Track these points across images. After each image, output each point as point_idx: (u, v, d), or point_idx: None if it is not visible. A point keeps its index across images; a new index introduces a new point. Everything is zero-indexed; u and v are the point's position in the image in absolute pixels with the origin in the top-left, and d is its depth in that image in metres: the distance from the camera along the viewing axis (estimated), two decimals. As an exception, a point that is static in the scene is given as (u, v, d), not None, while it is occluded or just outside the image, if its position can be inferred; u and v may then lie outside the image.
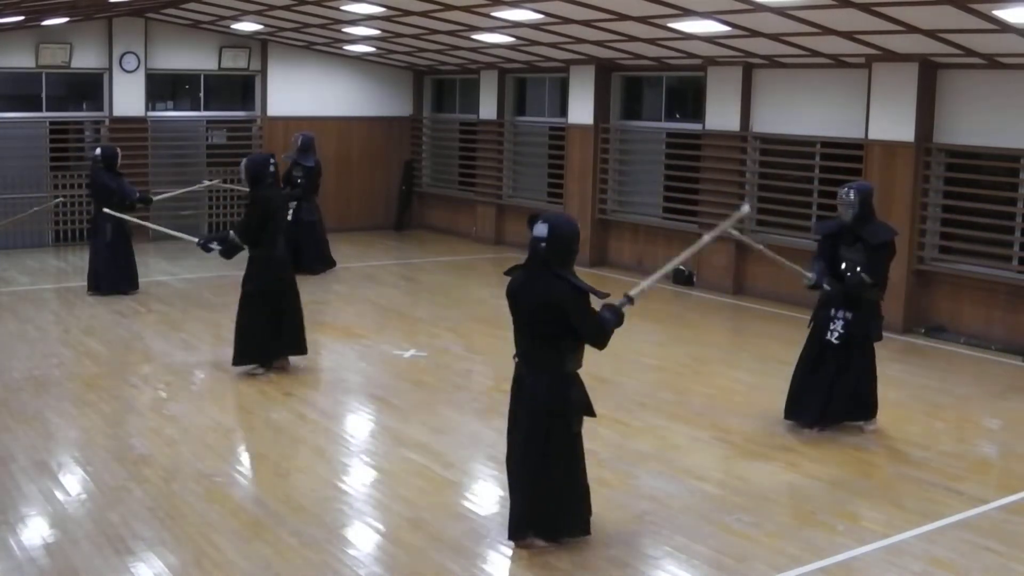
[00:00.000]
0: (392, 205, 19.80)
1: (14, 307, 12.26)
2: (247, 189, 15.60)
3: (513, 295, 5.89)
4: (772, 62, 13.30)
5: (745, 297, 13.79)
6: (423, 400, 8.97)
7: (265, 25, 16.40)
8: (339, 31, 16.08)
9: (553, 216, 5.90)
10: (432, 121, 19.99)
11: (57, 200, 15.04)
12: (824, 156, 13.03)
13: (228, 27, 16.96)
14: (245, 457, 7.71)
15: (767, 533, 6.30)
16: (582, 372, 6.02)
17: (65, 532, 6.06)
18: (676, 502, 6.76)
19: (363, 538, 6.21)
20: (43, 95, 16.65)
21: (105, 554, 5.78)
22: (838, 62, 12.52)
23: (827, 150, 12.98)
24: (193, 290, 13.57)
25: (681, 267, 14.55)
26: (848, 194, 7.99)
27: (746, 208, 7.14)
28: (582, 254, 10.22)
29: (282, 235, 9.62)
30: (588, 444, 6.17)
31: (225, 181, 16.33)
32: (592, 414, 6.03)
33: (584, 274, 5.91)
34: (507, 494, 6.68)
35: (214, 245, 9.79)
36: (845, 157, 12.59)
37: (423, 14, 13.39)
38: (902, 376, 9.89)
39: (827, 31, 10.87)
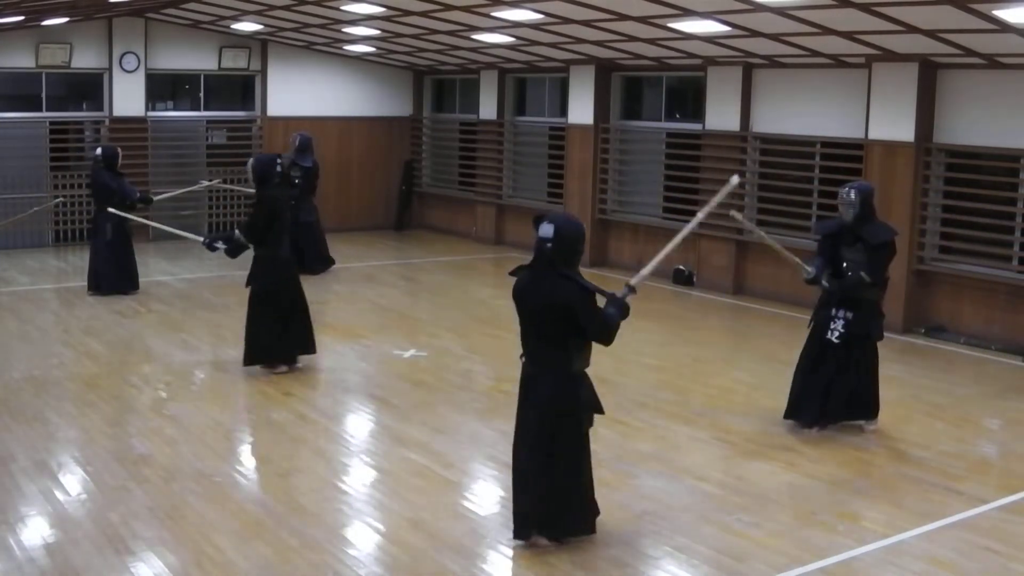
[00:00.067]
0: (392, 205, 19.80)
1: (14, 307, 12.26)
2: (246, 189, 15.81)
3: (519, 295, 5.91)
4: (772, 62, 13.30)
5: (745, 297, 13.79)
6: (423, 400, 8.97)
7: (265, 25, 16.40)
8: (339, 31, 16.08)
9: (558, 216, 5.93)
10: (432, 121, 19.99)
11: (57, 200, 15.05)
12: (824, 156, 13.03)
13: (228, 27, 16.96)
14: (245, 457, 7.71)
15: (767, 533, 6.30)
16: (582, 371, 6.04)
17: (65, 532, 6.06)
18: (676, 502, 6.76)
19: (363, 538, 6.21)
20: (43, 95, 16.65)
21: (105, 554, 5.78)
22: (838, 62, 12.52)
23: (827, 150, 12.98)
24: (193, 290, 13.57)
25: (681, 267, 14.60)
26: (849, 194, 8.00)
27: (735, 179, 7.15)
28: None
29: (287, 235, 9.67)
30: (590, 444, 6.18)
31: (225, 181, 16.33)
32: (601, 411, 6.07)
33: (584, 274, 5.91)
34: (507, 494, 6.68)
35: (219, 244, 9.81)
36: (845, 157, 12.59)
37: (423, 14, 13.39)
38: (902, 376, 9.89)
39: (827, 31, 10.87)
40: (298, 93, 18.47)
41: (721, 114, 13.95)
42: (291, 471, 7.23)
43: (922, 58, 11.41)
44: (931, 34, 10.26)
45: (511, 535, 6.06)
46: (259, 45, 18.09)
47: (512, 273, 6.02)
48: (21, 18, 14.51)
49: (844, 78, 12.65)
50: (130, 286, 13.06)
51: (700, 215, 6.66)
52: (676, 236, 6.46)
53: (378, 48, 17.71)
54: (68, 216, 16.70)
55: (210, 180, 15.71)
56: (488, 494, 6.96)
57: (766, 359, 10.56)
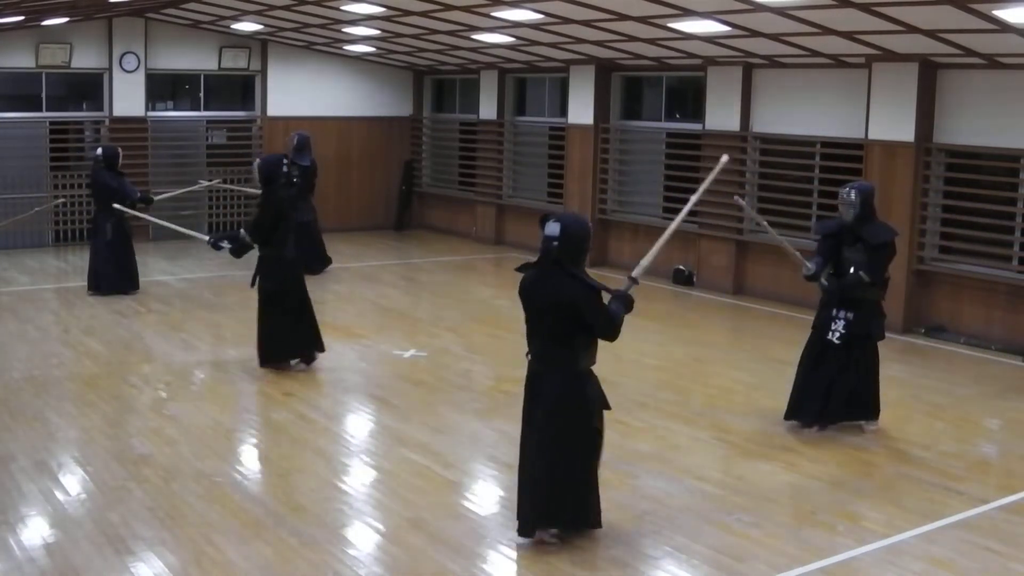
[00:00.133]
0: (392, 205, 19.80)
1: (14, 307, 12.26)
2: (246, 189, 15.82)
3: (526, 294, 5.94)
4: (772, 62, 13.30)
5: (745, 297, 13.79)
6: (423, 400, 8.97)
7: (265, 25, 16.40)
8: (339, 31, 16.08)
9: (565, 215, 5.98)
10: (432, 121, 19.99)
11: (59, 201, 15.04)
12: (824, 156, 13.03)
13: (228, 27, 16.96)
14: (245, 457, 7.71)
15: (767, 533, 6.30)
16: (584, 371, 6.04)
17: (65, 532, 6.06)
18: (676, 502, 6.76)
19: (363, 538, 6.21)
20: (43, 95, 16.65)
21: (105, 554, 5.78)
22: (838, 62, 12.51)
23: (827, 150, 12.98)
24: (193, 290, 13.57)
25: (681, 267, 14.60)
26: (849, 194, 8.00)
27: (725, 158, 7.18)
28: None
29: (293, 235, 9.71)
30: (588, 444, 6.18)
31: (225, 181, 16.33)
32: (608, 407, 6.11)
33: (585, 274, 5.93)
34: (507, 494, 6.70)
35: (224, 244, 9.85)
36: (845, 157, 12.59)
37: (423, 14, 13.39)
38: (902, 376, 9.88)
39: (827, 31, 10.87)
40: (298, 93, 18.47)
41: (721, 114, 13.95)
42: (291, 471, 7.23)
43: (922, 58, 11.41)
44: (931, 34, 10.26)
45: (512, 534, 6.07)
46: (259, 45, 18.09)
47: (519, 269, 6.05)
48: (21, 18, 14.51)
49: (844, 78, 12.65)
50: (130, 286, 13.07)
51: (695, 197, 6.71)
52: (672, 222, 6.49)
53: (378, 48, 17.71)
54: (68, 216, 16.70)
55: (210, 180, 15.71)
56: (488, 494, 6.96)
57: (766, 359, 10.56)
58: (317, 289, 13.27)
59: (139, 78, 17.03)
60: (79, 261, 14.79)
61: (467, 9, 12.61)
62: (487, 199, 18.28)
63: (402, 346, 10.81)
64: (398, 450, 7.71)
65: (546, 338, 5.89)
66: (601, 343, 5.99)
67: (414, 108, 19.95)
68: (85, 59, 16.67)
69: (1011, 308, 11.21)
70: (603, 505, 6.21)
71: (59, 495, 6.61)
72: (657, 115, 15.70)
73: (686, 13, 11.07)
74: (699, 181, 14.25)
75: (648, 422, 8.43)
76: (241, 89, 18.58)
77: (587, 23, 12.61)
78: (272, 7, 14.46)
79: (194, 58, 17.59)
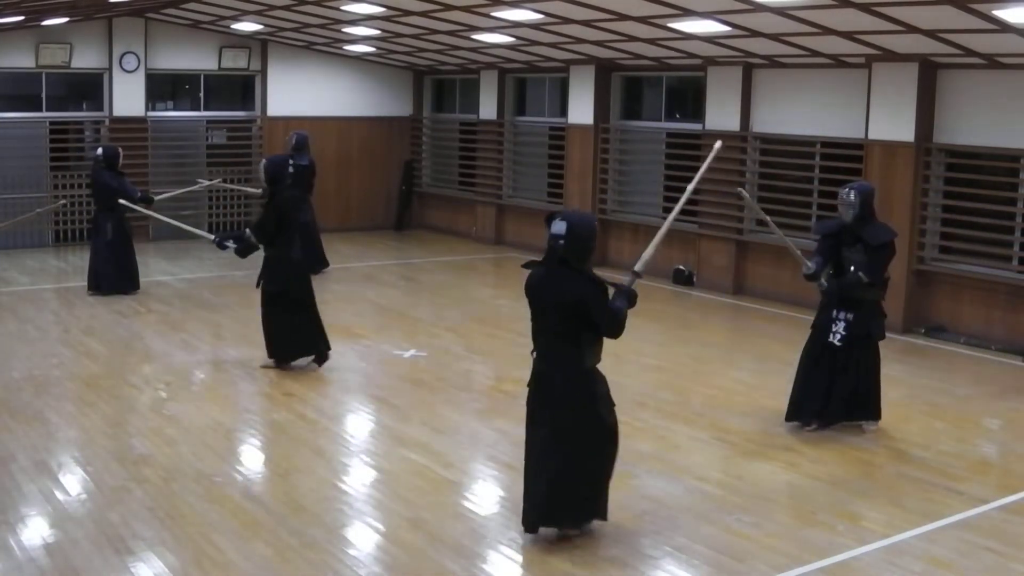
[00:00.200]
0: (392, 205, 19.80)
1: (14, 307, 12.26)
2: (246, 189, 15.82)
3: (533, 292, 5.96)
4: (772, 62, 13.30)
5: (745, 297, 13.79)
6: (423, 400, 8.97)
7: (265, 25, 16.40)
8: (339, 31, 16.08)
9: (571, 214, 5.98)
10: (432, 121, 19.99)
11: (61, 203, 15.03)
12: (824, 156, 13.03)
13: (228, 27, 16.96)
14: (245, 457, 7.70)
15: (767, 533, 6.30)
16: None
17: (65, 532, 6.06)
18: (676, 502, 6.76)
19: (363, 538, 6.21)
20: (43, 95, 16.65)
21: (105, 554, 5.78)
22: (838, 62, 12.51)
23: (827, 150, 12.98)
24: (193, 290, 13.57)
25: (681, 267, 14.60)
26: (849, 195, 7.99)
27: (719, 144, 7.21)
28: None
29: (298, 236, 9.74)
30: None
31: (225, 180, 16.32)
32: (612, 403, 6.13)
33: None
34: (507, 494, 6.71)
35: (230, 243, 9.87)
36: (845, 157, 12.59)
37: (423, 14, 13.39)
38: (902, 376, 9.88)
39: (827, 31, 10.87)
40: (298, 93, 18.47)
41: (721, 114, 13.95)
42: (291, 471, 7.23)
43: (922, 58, 11.41)
44: (931, 34, 10.26)
45: (512, 534, 6.08)
46: (259, 45, 18.09)
47: (525, 266, 6.07)
48: (21, 18, 14.51)
49: (844, 78, 12.65)
50: (130, 286, 13.07)
51: (692, 185, 6.73)
52: (672, 211, 6.51)
53: (378, 48, 17.71)
54: (68, 216, 16.69)
55: (210, 180, 15.72)
56: (488, 494, 6.96)
57: (766, 359, 10.56)
58: (317, 289, 13.21)
59: (139, 78, 17.03)
60: (79, 261, 14.79)
61: (467, 9, 12.61)
62: (487, 199, 18.28)
63: (402, 346, 10.81)
64: (398, 450, 7.71)
65: (552, 336, 5.90)
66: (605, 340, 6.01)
67: (414, 108, 19.95)
68: (85, 59, 16.67)
69: (1011, 308, 11.21)
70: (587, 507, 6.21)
71: (59, 495, 6.61)
72: (657, 115, 15.70)
73: (686, 13, 11.07)
74: (699, 181, 14.34)
75: (648, 422, 8.43)
76: (241, 89, 18.58)
77: (587, 23, 12.61)
78: (272, 7, 14.46)
79: (194, 58, 17.59)
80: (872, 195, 8.16)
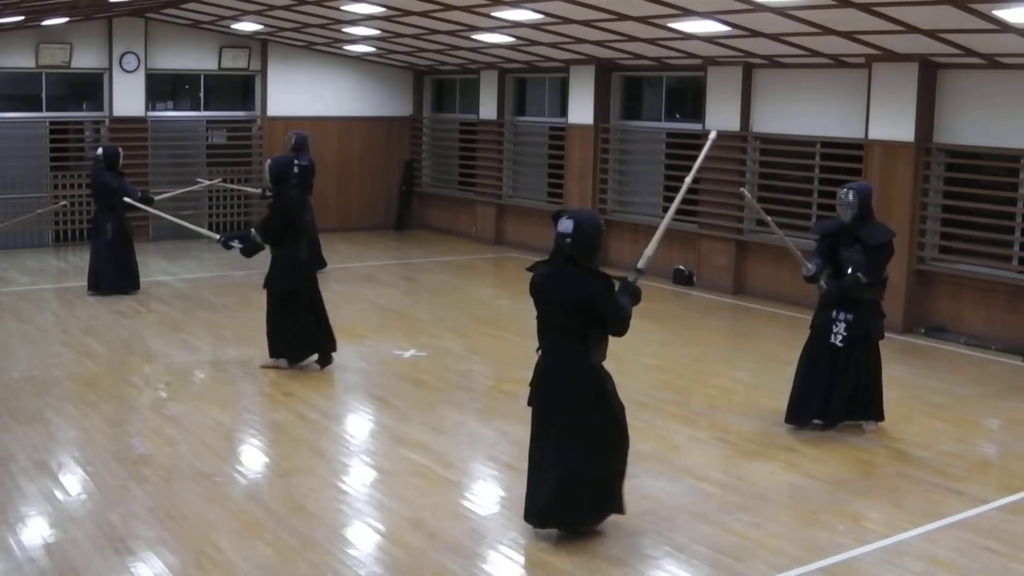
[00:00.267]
0: (392, 205, 19.80)
1: (14, 307, 12.26)
2: (245, 188, 15.81)
3: (539, 290, 5.97)
4: (772, 62, 13.30)
5: (745, 297, 13.79)
6: (423, 400, 8.97)
7: (265, 25, 16.40)
8: (339, 31, 16.08)
9: (578, 212, 6.01)
10: (432, 121, 19.99)
11: (62, 203, 15.02)
12: (824, 156, 13.03)
13: (228, 27, 16.96)
14: (245, 457, 7.70)
15: (767, 533, 6.30)
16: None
17: (65, 532, 6.06)
18: (676, 502, 6.76)
19: (363, 538, 6.21)
20: (43, 95, 16.65)
21: (105, 554, 5.78)
22: (838, 62, 12.52)
23: (827, 150, 12.98)
24: (193, 290, 13.57)
25: (681, 267, 14.60)
26: (847, 195, 8.00)
27: (714, 134, 7.23)
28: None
29: (304, 236, 9.73)
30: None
31: (225, 180, 16.32)
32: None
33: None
34: (507, 494, 6.72)
35: (235, 244, 9.86)
36: (845, 157, 12.59)
37: (423, 14, 13.39)
38: (902, 376, 9.88)
39: (827, 31, 10.87)
40: (298, 93, 18.47)
41: (721, 114, 13.94)
42: (291, 471, 7.23)
43: (922, 58, 11.41)
44: (931, 34, 10.26)
45: (513, 534, 6.08)
46: (259, 45, 18.09)
47: (530, 269, 6.08)
48: (21, 18, 14.51)
49: (844, 78, 12.65)
50: (130, 286, 13.07)
51: (689, 177, 6.75)
52: (671, 206, 6.53)
53: (378, 48, 17.71)
54: (68, 216, 16.69)
55: (210, 180, 15.72)
56: (488, 494, 6.96)
57: (766, 359, 10.56)
58: (317, 289, 13.28)
59: (139, 78, 17.03)
60: (79, 261, 14.79)
61: (467, 9, 12.61)
62: (487, 199, 18.28)
63: (402, 346, 10.81)
64: (398, 450, 7.71)
65: (558, 334, 5.92)
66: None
67: (414, 108, 19.95)
68: (85, 59, 16.67)
69: (1011, 308, 11.21)
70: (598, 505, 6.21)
71: (59, 495, 6.61)
72: (657, 115, 15.70)
73: (686, 13, 11.07)
74: (699, 180, 14.36)
75: (648, 422, 8.43)
76: (241, 89, 18.58)
77: (587, 23, 12.61)
78: (272, 7, 14.47)
79: (194, 58, 17.59)
80: (870, 195, 8.16)
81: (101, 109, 17.05)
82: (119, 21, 16.69)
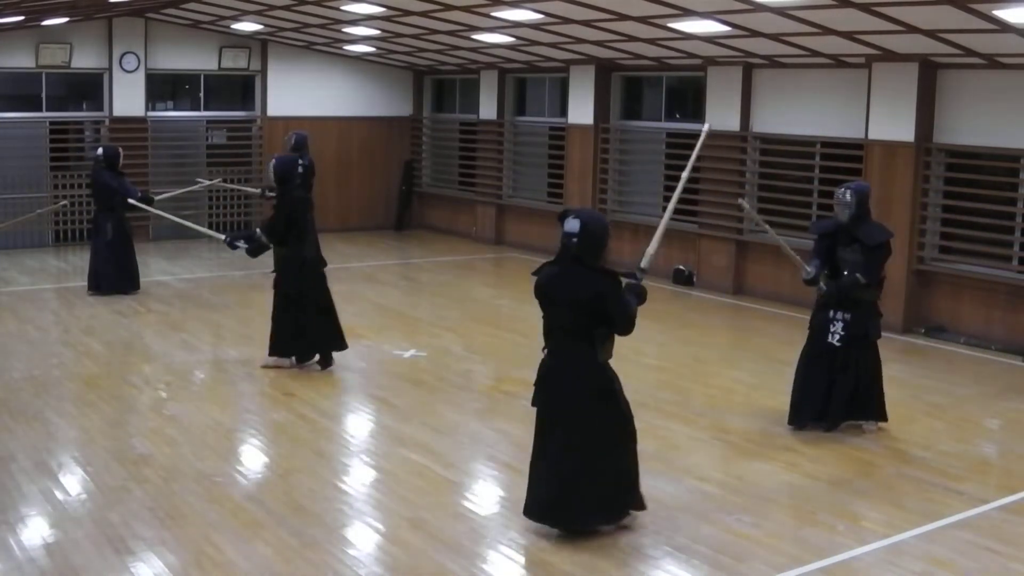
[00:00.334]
0: (392, 205, 19.80)
1: (14, 307, 12.26)
2: (245, 188, 15.81)
3: (545, 290, 5.97)
4: (772, 62, 13.30)
5: (745, 297, 13.79)
6: (423, 400, 8.97)
7: (265, 25, 16.40)
8: (339, 31, 16.08)
9: (584, 212, 6.03)
10: (432, 121, 19.99)
11: (63, 204, 15.02)
12: (824, 156, 13.02)
13: (228, 27, 16.96)
14: (245, 457, 7.70)
15: (767, 533, 6.30)
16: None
17: (65, 532, 6.06)
18: (676, 502, 6.76)
19: (363, 538, 6.21)
20: (43, 95, 16.65)
21: (105, 554, 5.78)
22: (838, 62, 12.51)
23: (827, 150, 12.98)
24: (193, 290, 13.57)
25: (681, 267, 14.60)
26: (845, 195, 8.00)
27: (707, 126, 7.24)
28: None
29: (310, 235, 9.70)
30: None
31: (225, 180, 16.32)
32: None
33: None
34: (507, 494, 6.72)
35: (240, 243, 9.87)
36: (845, 157, 12.59)
37: (423, 14, 13.39)
38: (902, 376, 9.88)
39: (827, 31, 10.87)
40: (298, 93, 18.47)
41: (721, 114, 13.93)
42: (291, 471, 7.23)
43: (922, 58, 11.41)
44: (931, 34, 10.26)
45: (512, 533, 6.08)
46: (259, 45, 18.09)
47: (535, 273, 6.08)
48: (21, 18, 14.51)
49: (844, 78, 12.65)
50: (130, 286, 13.07)
51: (685, 172, 6.76)
52: (670, 203, 6.55)
53: (378, 48, 17.71)
54: (68, 216, 16.69)
55: (210, 180, 15.72)
56: (488, 494, 6.96)
57: (766, 359, 10.56)
58: (317, 289, 13.28)
59: (139, 78, 17.03)
60: (79, 261, 14.79)
61: (467, 9, 12.61)
62: (487, 199, 18.28)
63: (402, 346, 10.81)
64: (398, 450, 7.71)
65: (565, 333, 5.92)
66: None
67: (414, 108, 19.95)
68: (85, 59, 16.67)
69: (1011, 308, 11.21)
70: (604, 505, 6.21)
71: (59, 495, 6.61)
72: (657, 115, 15.70)
73: (686, 13, 11.07)
74: (699, 180, 14.37)
75: (648, 422, 8.40)
76: (241, 89, 18.58)
77: (587, 23, 12.61)
78: (272, 7, 14.47)
79: (194, 58, 17.59)
80: (868, 195, 8.15)
81: (101, 109, 17.05)
82: (119, 21, 16.69)
